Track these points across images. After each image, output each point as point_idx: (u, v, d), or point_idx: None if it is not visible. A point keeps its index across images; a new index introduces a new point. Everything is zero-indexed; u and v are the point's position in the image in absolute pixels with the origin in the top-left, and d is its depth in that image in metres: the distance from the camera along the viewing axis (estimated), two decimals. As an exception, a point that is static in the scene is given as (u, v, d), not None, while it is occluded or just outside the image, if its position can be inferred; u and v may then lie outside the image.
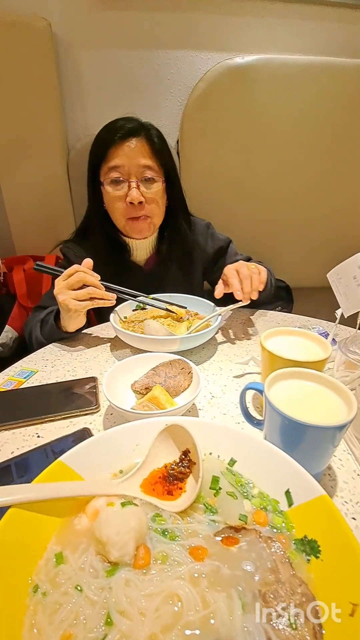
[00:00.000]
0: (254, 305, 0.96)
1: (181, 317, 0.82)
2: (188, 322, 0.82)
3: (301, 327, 0.87)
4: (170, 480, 0.38)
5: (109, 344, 0.83)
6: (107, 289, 0.77)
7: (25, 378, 0.70)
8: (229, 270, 0.77)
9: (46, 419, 0.58)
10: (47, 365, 0.75)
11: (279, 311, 1.36)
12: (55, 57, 1.18)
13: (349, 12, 1.26)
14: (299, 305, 1.48)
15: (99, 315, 1.10)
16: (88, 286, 0.74)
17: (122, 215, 0.86)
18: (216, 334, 0.85)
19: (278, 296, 1.31)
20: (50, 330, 0.80)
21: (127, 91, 1.29)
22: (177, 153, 1.30)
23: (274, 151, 1.29)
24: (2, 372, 0.72)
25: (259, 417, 0.50)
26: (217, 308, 0.85)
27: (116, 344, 0.83)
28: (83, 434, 0.53)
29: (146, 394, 0.60)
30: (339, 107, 1.24)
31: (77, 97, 1.28)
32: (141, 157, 0.82)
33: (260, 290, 0.80)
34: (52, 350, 0.80)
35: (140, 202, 0.83)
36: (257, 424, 0.49)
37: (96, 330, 0.90)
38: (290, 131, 1.26)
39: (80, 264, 0.96)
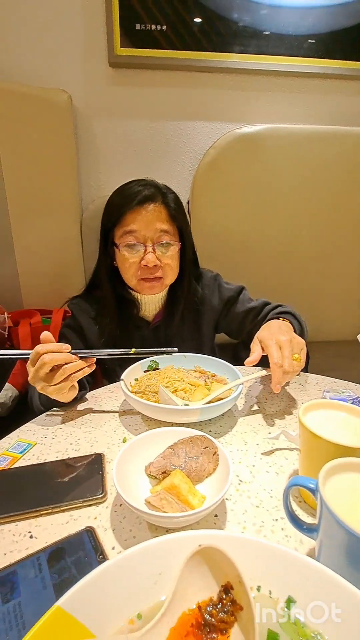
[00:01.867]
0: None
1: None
2: (205, 385, 0.74)
3: (329, 390, 0.79)
4: (206, 631, 0.28)
5: (117, 409, 0.75)
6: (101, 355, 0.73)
7: (21, 453, 0.61)
8: (269, 340, 0.69)
9: (42, 512, 0.48)
10: (46, 436, 0.66)
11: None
12: (74, 127, 1.25)
13: (349, 84, 1.35)
14: (313, 358, 1.43)
15: (105, 373, 1.02)
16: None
17: (134, 276, 0.84)
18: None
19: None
20: (47, 401, 0.72)
21: (140, 158, 1.35)
22: (188, 212, 1.32)
23: (282, 214, 1.32)
24: (-4, 444, 0.63)
25: (308, 520, 0.40)
26: (236, 369, 0.77)
27: (126, 409, 0.74)
28: (84, 537, 0.43)
29: (163, 478, 0.51)
30: (344, 172, 1.28)
31: (93, 165, 1.34)
32: (158, 222, 0.81)
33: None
34: (53, 417, 0.72)
35: (155, 265, 0.82)
36: (307, 530, 0.39)
37: (103, 392, 0.81)
38: (297, 195, 1.30)
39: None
